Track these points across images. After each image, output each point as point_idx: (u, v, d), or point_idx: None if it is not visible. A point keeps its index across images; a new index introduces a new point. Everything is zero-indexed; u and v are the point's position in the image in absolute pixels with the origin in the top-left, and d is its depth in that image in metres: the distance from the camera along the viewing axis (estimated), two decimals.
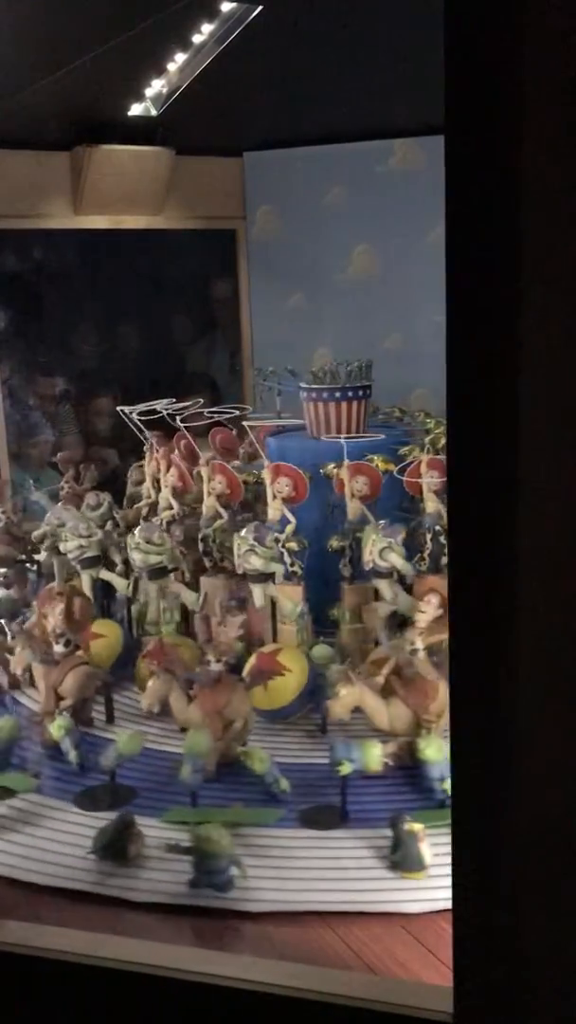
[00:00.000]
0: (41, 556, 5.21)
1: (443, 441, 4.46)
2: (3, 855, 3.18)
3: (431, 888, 2.88)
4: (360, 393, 5.02)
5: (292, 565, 4.31)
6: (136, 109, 6.35)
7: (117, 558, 4.92)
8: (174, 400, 5.31)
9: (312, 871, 3.02)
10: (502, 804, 1.65)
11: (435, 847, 2.94)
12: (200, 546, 4.65)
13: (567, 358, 1.46)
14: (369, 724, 3.66)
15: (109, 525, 5.01)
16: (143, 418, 5.21)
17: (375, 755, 3.31)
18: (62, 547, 4.85)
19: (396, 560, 4.18)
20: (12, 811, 3.43)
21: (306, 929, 2.77)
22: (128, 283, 7.10)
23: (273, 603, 4.32)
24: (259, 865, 3.01)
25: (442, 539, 4.32)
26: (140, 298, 7.19)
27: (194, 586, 4.62)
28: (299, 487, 4.48)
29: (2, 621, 4.70)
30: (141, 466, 5.66)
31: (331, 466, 4.63)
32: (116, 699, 4.19)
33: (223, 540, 4.60)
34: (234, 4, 5.44)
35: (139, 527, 4.61)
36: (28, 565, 5.33)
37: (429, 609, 3.70)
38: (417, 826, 2.99)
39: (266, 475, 4.54)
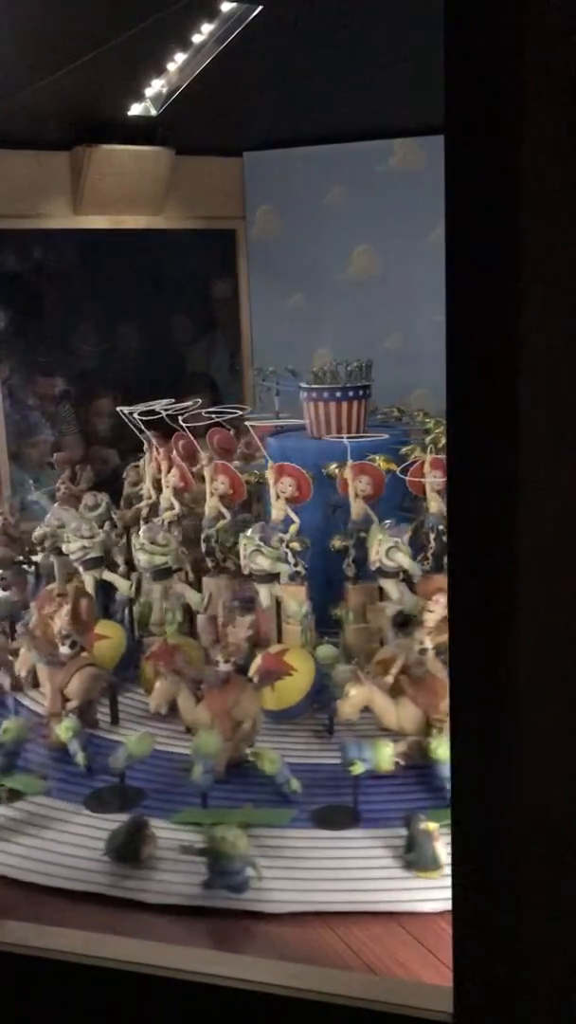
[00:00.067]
0: (38, 557, 5.20)
1: (444, 441, 4.46)
2: (13, 857, 3.16)
3: (446, 887, 2.87)
4: (360, 393, 5.02)
5: (296, 565, 4.31)
6: (136, 109, 6.35)
7: (119, 559, 4.92)
8: (173, 400, 5.32)
9: (325, 871, 3.02)
10: (502, 804, 1.65)
11: (449, 846, 2.93)
12: (203, 546, 4.65)
13: (567, 358, 1.46)
14: (377, 724, 3.66)
15: (107, 526, 5.01)
16: (143, 418, 5.21)
17: (387, 755, 3.31)
18: (65, 548, 4.84)
19: (403, 560, 4.18)
20: (21, 813, 3.41)
21: (306, 929, 2.77)
22: (128, 283, 7.11)
23: (277, 603, 4.33)
24: (272, 866, 3.00)
25: (445, 538, 4.32)
26: (140, 298, 7.19)
27: (195, 586, 4.63)
28: (302, 487, 4.48)
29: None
30: (137, 467, 5.66)
31: (333, 466, 4.63)
32: (120, 700, 4.18)
33: (224, 540, 4.60)
34: (234, 4, 5.44)
35: (143, 528, 4.61)
36: (25, 567, 5.32)
37: (438, 608, 3.69)
38: (432, 825, 2.98)
39: (269, 475, 4.54)
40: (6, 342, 6.75)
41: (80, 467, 5.88)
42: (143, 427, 5.22)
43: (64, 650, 3.96)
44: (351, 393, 4.98)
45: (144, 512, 5.20)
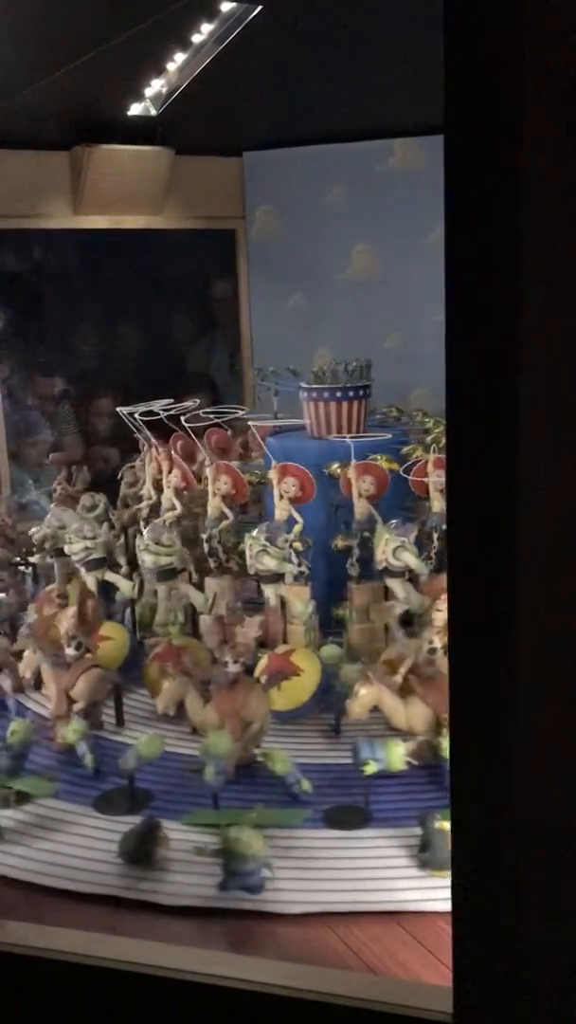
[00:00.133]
0: (35, 558, 5.18)
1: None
2: (25, 860, 3.15)
3: None
4: (360, 393, 5.02)
5: (300, 565, 4.31)
6: (136, 109, 6.35)
7: (121, 559, 4.91)
8: (172, 401, 5.31)
9: (336, 872, 3.01)
10: (502, 804, 1.65)
11: None
12: (205, 547, 4.65)
13: (567, 358, 1.46)
14: (387, 723, 3.66)
15: (105, 526, 5.01)
16: (144, 418, 5.21)
17: (399, 754, 3.31)
18: (67, 549, 4.83)
19: (410, 559, 4.18)
20: (30, 816, 3.39)
21: (306, 929, 2.77)
22: (128, 283, 7.10)
23: (282, 603, 4.32)
24: (285, 867, 2.99)
25: None
26: (140, 298, 7.18)
27: (198, 587, 4.62)
28: (306, 487, 4.49)
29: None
30: (133, 467, 5.65)
31: (335, 466, 4.63)
32: (124, 701, 4.16)
33: (226, 540, 4.60)
34: (234, 4, 5.44)
35: (148, 528, 4.61)
36: (23, 568, 5.30)
37: (446, 607, 3.69)
38: (447, 824, 2.98)
39: (272, 475, 4.54)
40: (6, 342, 6.74)
41: (76, 468, 5.87)
42: (143, 428, 5.22)
43: (70, 651, 3.93)
44: (351, 393, 4.98)
45: (144, 513, 5.19)
